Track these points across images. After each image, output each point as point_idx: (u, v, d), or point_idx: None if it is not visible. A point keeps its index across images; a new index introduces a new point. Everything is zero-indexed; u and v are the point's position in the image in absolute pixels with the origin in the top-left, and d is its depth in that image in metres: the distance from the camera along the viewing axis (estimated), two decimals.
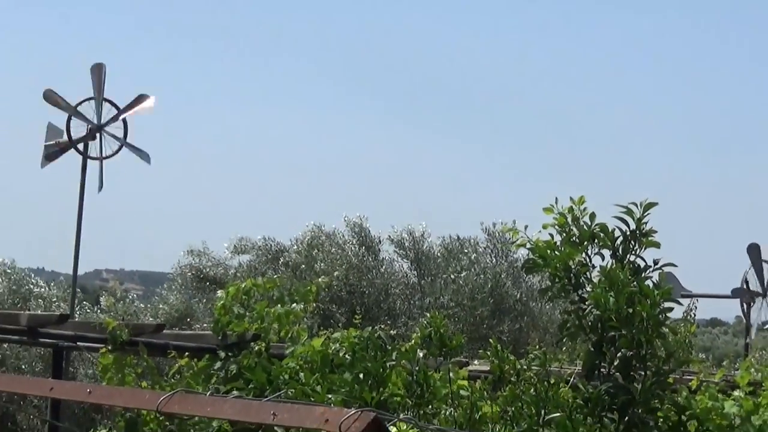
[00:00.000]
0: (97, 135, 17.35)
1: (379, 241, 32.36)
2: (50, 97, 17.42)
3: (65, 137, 17.53)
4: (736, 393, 10.98)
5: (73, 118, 17.54)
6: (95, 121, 17.39)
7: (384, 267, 31.98)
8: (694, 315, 12.12)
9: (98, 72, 17.21)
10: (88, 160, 17.39)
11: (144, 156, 17.76)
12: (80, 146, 17.34)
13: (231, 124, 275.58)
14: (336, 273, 29.12)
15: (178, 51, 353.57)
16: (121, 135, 17.63)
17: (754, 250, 23.13)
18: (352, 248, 31.63)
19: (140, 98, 17.59)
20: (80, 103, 17.43)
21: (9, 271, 27.92)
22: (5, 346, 22.17)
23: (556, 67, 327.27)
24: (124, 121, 17.59)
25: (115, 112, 17.51)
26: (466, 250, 31.89)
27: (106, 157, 17.43)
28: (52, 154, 17.77)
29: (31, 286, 27.86)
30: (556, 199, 9.90)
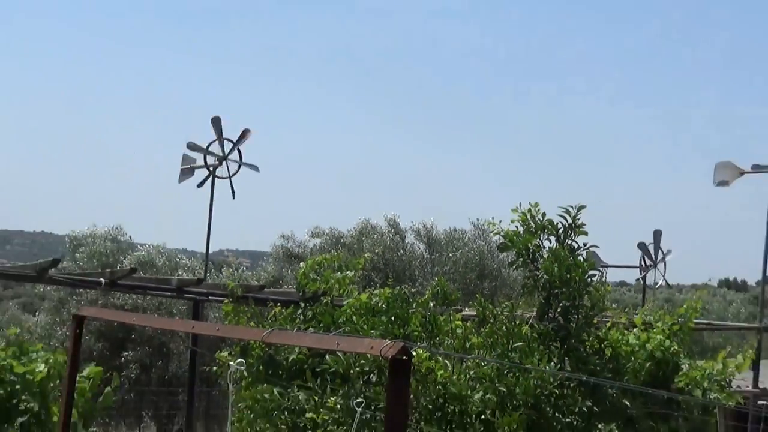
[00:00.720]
0: (223, 162, 17.51)
1: (405, 231, 32.46)
2: (191, 146, 17.66)
3: (197, 162, 17.75)
4: (635, 330, 11.03)
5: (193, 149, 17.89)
6: (220, 154, 17.55)
7: (408, 248, 32.00)
8: (605, 278, 12.13)
9: (218, 122, 17.45)
10: (213, 178, 17.68)
11: (255, 168, 17.96)
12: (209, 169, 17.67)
13: (308, 142, 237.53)
14: (377, 251, 29.19)
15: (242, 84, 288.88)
16: (237, 158, 17.79)
17: (657, 235, 23.07)
18: (389, 236, 31.70)
19: (245, 132, 17.77)
20: (210, 144, 17.58)
21: (162, 251, 28.09)
22: (162, 299, 22.29)
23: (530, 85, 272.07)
24: (239, 150, 17.75)
25: (231, 144, 17.71)
26: (460, 236, 31.98)
27: (232, 176, 17.61)
28: (186, 175, 18.01)
29: (178, 260, 27.96)
30: (520, 203, 10.05)
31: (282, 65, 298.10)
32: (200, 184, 17.58)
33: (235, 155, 17.81)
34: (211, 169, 17.48)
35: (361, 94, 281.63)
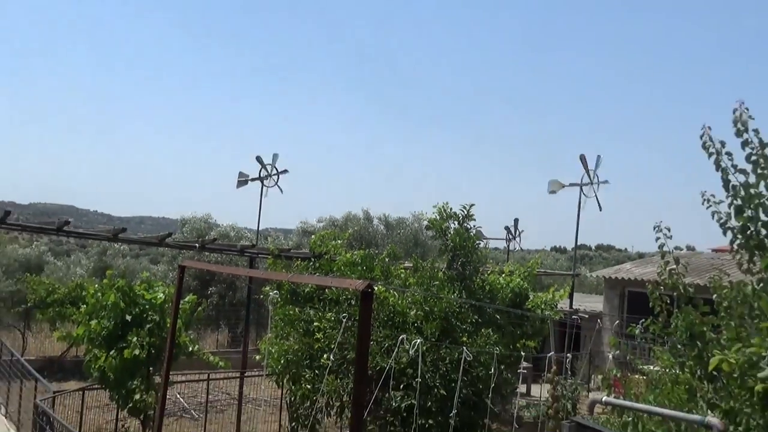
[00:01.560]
0: (267, 178, 17.24)
1: (373, 218, 32.43)
2: (246, 174, 17.44)
3: (248, 177, 17.44)
4: (503, 275, 11.06)
5: (255, 172, 17.53)
6: (264, 173, 17.32)
7: (374, 227, 31.94)
8: (486, 245, 12.13)
9: (260, 159, 17.22)
10: (262, 188, 17.34)
11: (285, 171, 17.60)
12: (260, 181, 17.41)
13: (314, 155, 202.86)
14: (356, 228, 29.10)
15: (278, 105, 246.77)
16: (275, 171, 17.51)
17: (515, 222, 23.21)
18: (363, 220, 31.62)
19: (275, 156, 17.53)
20: (261, 169, 17.28)
21: (233, 227, 27.87)
22: (231, 256, 22.06)
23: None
24: (276, 167, 17.51)
25: (269, 164, 17.43)
26: (404, 221, 31.98)
27: (276, 184, 17.39)
28: (241, 184, 17.69)
29: (242, 233, 27.75)
30: (438, 201, 9.95)
31: (294, 86, 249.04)
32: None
33: (273, 171, 17.64)
34: (263, 181, 17.32)
35: (351, 105, 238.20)
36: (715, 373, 3.59)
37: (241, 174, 17.67)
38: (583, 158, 16.71)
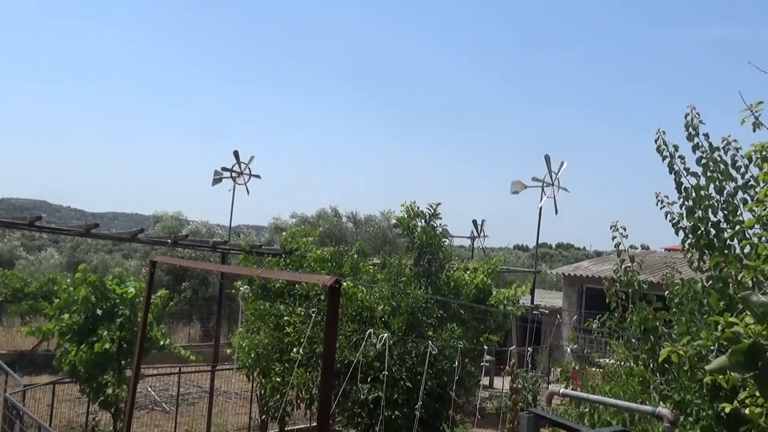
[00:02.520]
0: (239, 176, 17.01)
1: (341, 215, 32.33)
2: (223, 169, 17.17)
3: (221, 176, 17.20)
4: (468, 272, 11.11)
5: (224, 169, 17.22)
6: (237, 170, 17.07)
7: (343, 225, 31.86)
8: (452, 243, 12.15)
9: (236, 154, 16.99)
10: (234, 185, 17.11)
11: (258, 176, 17.47)
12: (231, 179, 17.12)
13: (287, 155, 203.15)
14: (326, 226, 28.96)
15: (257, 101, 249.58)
16: (248, 171, 17.30)
17: (476, 223, 23.33)
18: (333, 218, 31.51)
19: (251, 158, 17.28)
20: (233, 166, 17.11)
21: (205, 224, 27.60)
22: (203, 252, 21.78)
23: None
24: (249, 167, 17.30)
25: (244, 163, 17.20)
26: (372, 219, 31.95)
27: (244, 184, 17.18)
28: (216, 182, 17.41)
29: (214, 230, 27.48)
30: (405, 200, 9.95)
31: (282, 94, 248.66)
32: (215, 183, 17.05)
33: (247, 170, 17.44)
34: (235, 179, 17.11)
35: (327, 104, 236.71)
36: (666, 365, 3.64)
37: (216, 172, 17.48)
38: (547, 158, 16.89)
